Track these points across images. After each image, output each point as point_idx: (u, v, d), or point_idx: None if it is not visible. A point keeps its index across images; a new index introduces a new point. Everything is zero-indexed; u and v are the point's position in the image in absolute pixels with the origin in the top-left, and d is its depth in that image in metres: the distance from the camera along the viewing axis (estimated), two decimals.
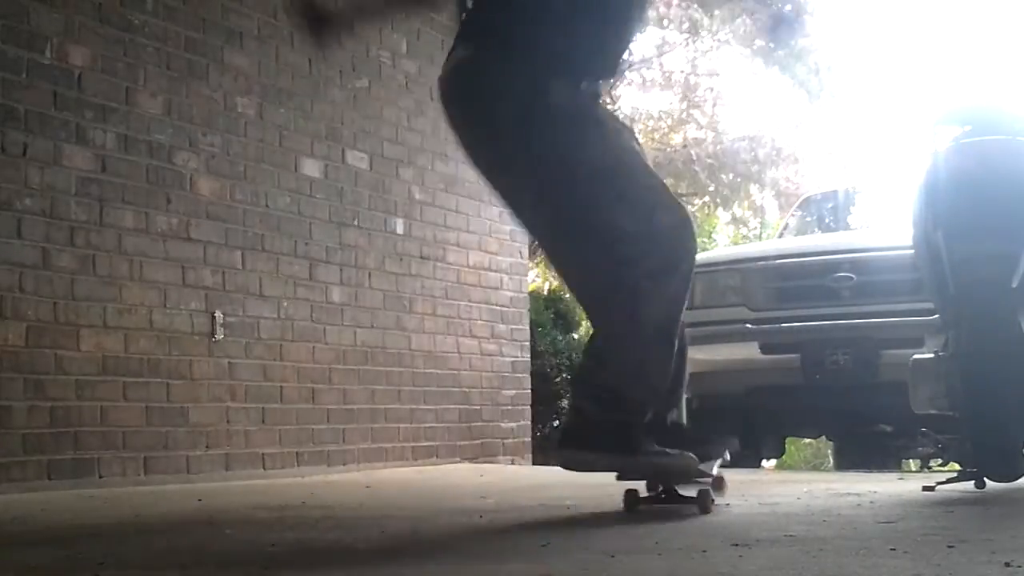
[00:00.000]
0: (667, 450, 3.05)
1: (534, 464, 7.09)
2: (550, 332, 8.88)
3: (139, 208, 4.77)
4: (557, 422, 8.86)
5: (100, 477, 4.49)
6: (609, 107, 4.48)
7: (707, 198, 16.05)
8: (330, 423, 5.59)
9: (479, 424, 6.60)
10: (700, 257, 7.96)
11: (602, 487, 4.42)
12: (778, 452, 7.45)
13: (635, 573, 2.13)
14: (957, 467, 3.74)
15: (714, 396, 6.71)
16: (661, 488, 3.14)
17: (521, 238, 7.19)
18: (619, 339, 3.11)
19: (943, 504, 3.38)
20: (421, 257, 6.28)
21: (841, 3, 22.40)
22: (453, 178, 6.56)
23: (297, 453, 5.40)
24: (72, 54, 4.56)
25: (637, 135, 3.56)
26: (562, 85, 3.01)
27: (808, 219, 8.28)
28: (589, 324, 3.46)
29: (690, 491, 3.10)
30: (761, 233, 17.25)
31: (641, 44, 14.98)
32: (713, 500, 3.10)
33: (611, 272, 3.04)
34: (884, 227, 7.02)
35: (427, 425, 6.21)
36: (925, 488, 3.71)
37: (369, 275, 5.93)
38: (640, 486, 3.14)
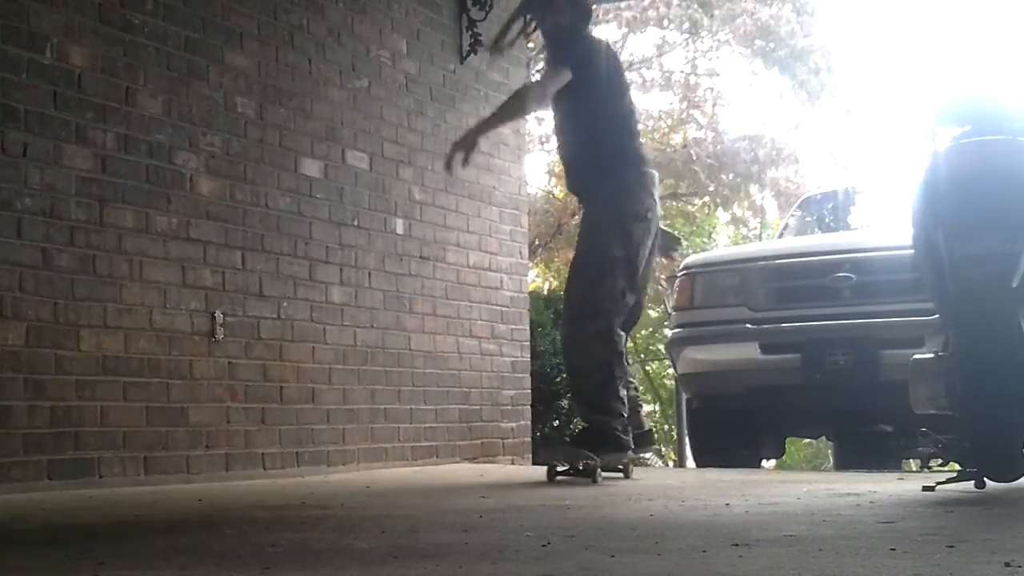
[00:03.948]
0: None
1: (534, 464, 7.09)
2: (550, 332, 8.86)
3: (139, 208, 4.76)
4: (557, 422, 8.86)
5: (100, 477, 4.49)
6: None
7: (707, 198, 16.04)
8: (330, 423, 5.59)
9: (479, 424, 6.60)
10: (700, 257, 8.02)
11: (601, 487, 4.42)
12: (778, 452, 7.45)
13: (635, 573, 2.13)
14: (957, 467, 3.74)
15: (714, 396, 6.71)
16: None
17: (521, 238, 7.19)
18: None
19: (943, 504, 3.38)
20: (421, 257, 6.28)
21: (841, 3, 22.41)
22: (453, 178, 6.56)
23: (297, 453, 5.40)
24: (72, 54, 4.56)
25: None
26: None
27: (808, 219, 8.28)
28: None
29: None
30: (761, 233, 17.24)
31: (641, 44, 15.01)
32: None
33: None
34: (884, 227, 7.02)
35: (427, 425, 6.21)
36: (925, 488, 3.71)
37: (369, 275, 5.92)
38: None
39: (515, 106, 5.14)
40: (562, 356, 4.96)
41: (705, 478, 5.14)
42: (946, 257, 3.62)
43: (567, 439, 5.18)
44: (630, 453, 4.74)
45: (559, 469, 4.64)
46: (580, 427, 4.73)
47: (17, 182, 4.32)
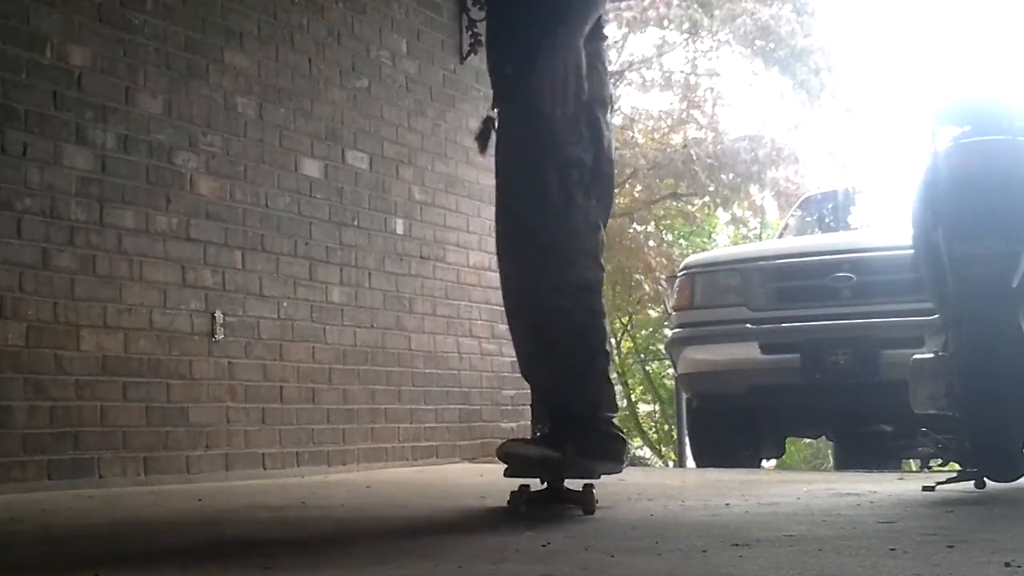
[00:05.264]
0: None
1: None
2: None
3: (139, 208, 4.77)
4: None
5: (100, 477, 4.49)
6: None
7: (707, 198, 16.04)
8: (330, 423, 5.59)
9: (479, 424, 6.60)
10: (700, 257, 8.02)
11: (601, 487, 4.42)
12: (778, 452, 7.44)
13: (635, 573, 2.13)
14: (957, 467, 3.74)
15: (714, 396, 6.71)
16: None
17: None
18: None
19: (943, 504, 3.38)
20: (421, 257, 6.28)
21: (842, 3, 22.43)
22: (453, 178, 6.56)
23: (297, 453, 5.40)
24: (72, 54, 4.56)
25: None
26: None
27: (808, 219, 8.28)
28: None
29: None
30: (761, 233, 17.24)
31: (641, 44, 15.00)
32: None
33: None
34: (884, 227, 7.02)
35: (427, 425, 6.21)
36: (925, 488, 3.71)
37: (369, 275, 5.92)
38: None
39: None
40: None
41: (705, 478, 5.14)
42: (946, 257, 3.62)
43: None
44: None
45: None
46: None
47: (17, 182, 4.32)
